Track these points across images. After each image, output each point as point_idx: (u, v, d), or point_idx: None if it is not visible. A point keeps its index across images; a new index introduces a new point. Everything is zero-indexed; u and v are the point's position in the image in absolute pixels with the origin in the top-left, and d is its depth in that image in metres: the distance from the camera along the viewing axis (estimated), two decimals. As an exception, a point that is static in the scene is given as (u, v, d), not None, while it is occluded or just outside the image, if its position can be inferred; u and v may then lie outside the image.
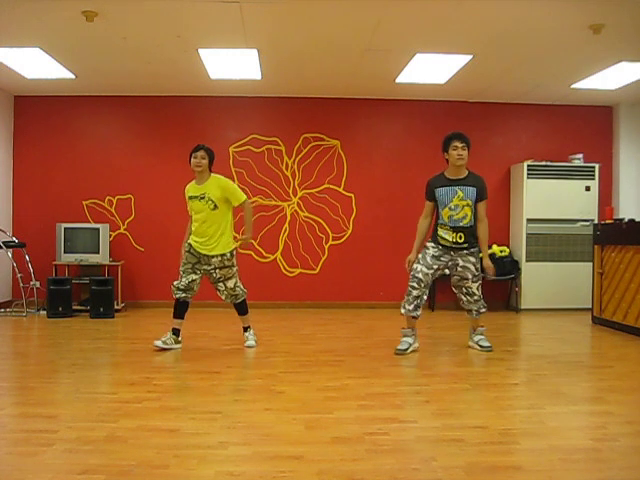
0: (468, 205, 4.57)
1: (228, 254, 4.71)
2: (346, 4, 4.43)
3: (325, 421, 3.07)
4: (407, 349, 4.74)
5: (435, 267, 4.66)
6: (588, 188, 7.21)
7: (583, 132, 7.56)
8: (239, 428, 2.96)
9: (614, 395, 3.60)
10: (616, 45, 5.23)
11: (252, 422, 3.05)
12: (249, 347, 4.92)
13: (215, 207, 4.65)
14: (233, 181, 7.33)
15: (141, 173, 7.30)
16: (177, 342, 4.82)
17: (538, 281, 7.18)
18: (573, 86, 6.66)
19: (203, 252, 4.69)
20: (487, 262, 4.76)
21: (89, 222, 7.17)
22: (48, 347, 5.13)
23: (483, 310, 4.83)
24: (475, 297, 4.75)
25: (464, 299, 4.80)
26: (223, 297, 4.85)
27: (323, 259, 7.38)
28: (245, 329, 5.02)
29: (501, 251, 7.14)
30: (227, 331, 5.67)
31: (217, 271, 4.72)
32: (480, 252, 4.74)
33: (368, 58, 5.74)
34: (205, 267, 4.73)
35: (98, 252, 6.80)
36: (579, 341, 5.62)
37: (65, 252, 6.78)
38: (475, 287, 4.72)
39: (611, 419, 3.14)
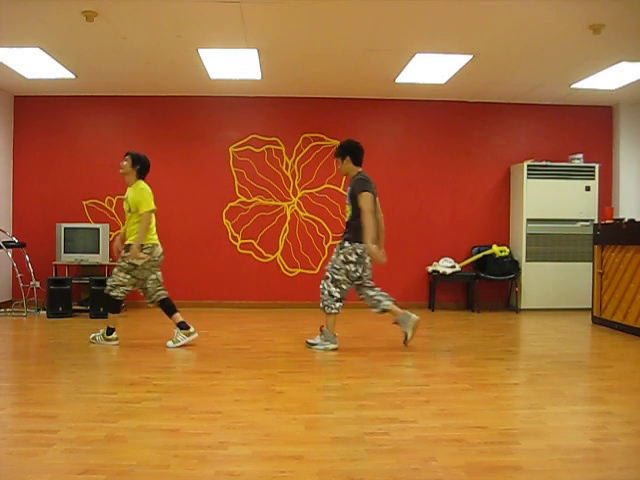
0: (348, 204, 4.85)
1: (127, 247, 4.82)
2: (346, 4, 4.43)
3: (325, 421, 3.07)
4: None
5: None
6: (588, 188, 7.21)
7: (583, 132, 7.56)
8: (239, 428, 2.96)
9: (614, 395, 3.60)
10: (616, 45, 5.24)
11: (252, 422, 3.05)
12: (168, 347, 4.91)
13: (129, 210, 4.83)
14: (233, 181, 7.45)
15: (141, 173, 7.28)
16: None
17: (538, 281, 7.18)
18: (573, 86, 6.66)
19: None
20: (369, 247, 4.69)
21: (89, 222, 7.17)
22: (48, 347, 5.13)
23: (326, 309, 4.87)
24: (321, 286, 4.92)
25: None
26: None
27: (323, 259, 7.37)
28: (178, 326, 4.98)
29: (501, 251, 7.14)
30: (227, 331, 5.68)
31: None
32: (355, 253, 4.75)
33: (368, 58, 5.74)
34: None
35: (98, 252, 6.81)
36: (579, 341, 5.62)
37: (65, 252, 6.79)
38: (328, 279, 4.86)
39: (611, 419, 3.14)
